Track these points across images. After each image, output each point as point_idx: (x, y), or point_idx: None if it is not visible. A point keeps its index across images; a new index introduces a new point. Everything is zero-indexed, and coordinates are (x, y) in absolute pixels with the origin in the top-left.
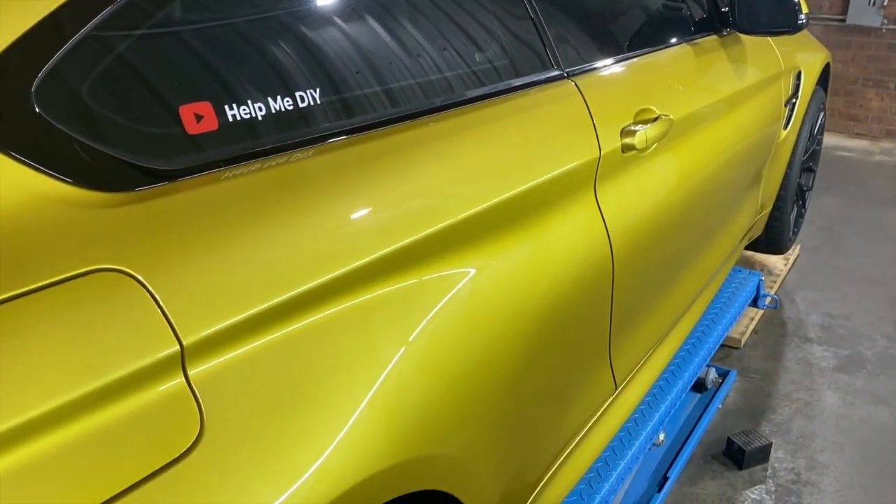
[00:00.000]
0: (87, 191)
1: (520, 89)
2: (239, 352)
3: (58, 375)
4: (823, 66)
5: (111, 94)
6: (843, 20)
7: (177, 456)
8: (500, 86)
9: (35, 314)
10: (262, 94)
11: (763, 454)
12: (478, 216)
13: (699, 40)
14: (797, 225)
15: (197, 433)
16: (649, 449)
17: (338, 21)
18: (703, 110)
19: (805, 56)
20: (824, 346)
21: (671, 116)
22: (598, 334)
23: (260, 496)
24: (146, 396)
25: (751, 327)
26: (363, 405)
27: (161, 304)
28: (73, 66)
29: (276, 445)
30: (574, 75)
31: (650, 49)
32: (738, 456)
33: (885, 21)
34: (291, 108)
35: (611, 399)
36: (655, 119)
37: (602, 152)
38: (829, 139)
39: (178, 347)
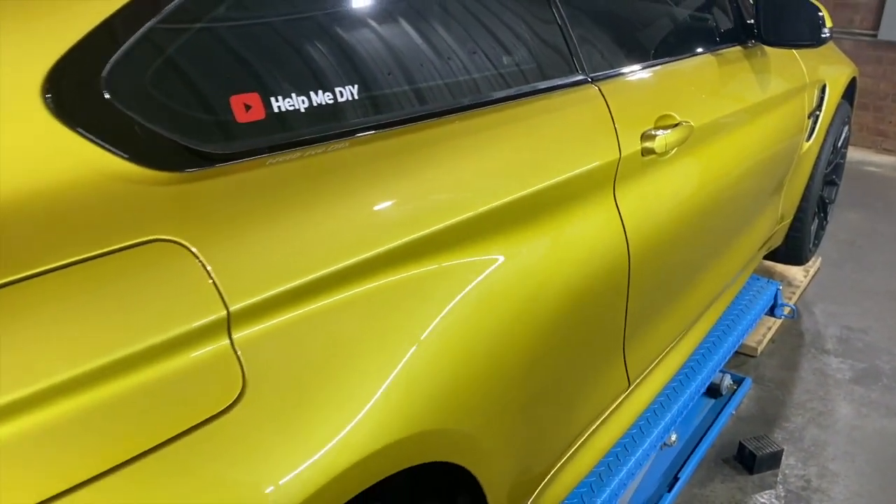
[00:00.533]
0: (145, 169)
1: (545, 92)
2: (279, 320)
3: (116, 331)
4: (849, 80)
5: (169, 83)
6: (875, 35)
7: (220, 410)
8: (526, 88)
9: (98, 277)
10: (304, 89)
11: (774, 460)
12: (501, 209)
13: (723, 51)
14: (818, 237)
15: (239, 391)
16: (661, 448)
17: (376, 24)
18: (725, 119)
19: (830, 69)
20: (841, 358)
21: (691, 123)
22: (613, 331)
23: (292, 452)
24: (196, 355)
25: (768, 336)
26: (390, 378)
27: (211, 273)
28: (137, 57)
29: (309, 407)
30: (598, 80)
31: (674, 57)
32: (749, 460)
33: None
34: (331, 102)
35: (623, 396)
36: (676, 125)
37: (622, 154)
38: (856, 154)
39: (225, 313)
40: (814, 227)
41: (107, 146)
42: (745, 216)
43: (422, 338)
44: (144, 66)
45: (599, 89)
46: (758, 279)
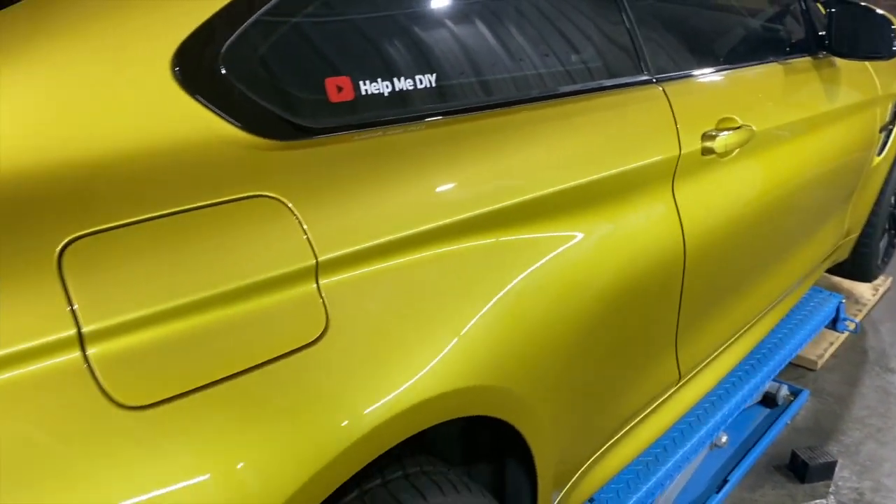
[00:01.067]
0: (252, 136)
1: (611, 89)
2: (360, 272)
3: (221, 267)
4: None
5: (274, 64)
6: None
7: (305, 343)
8: (593, 84)
9: (212, 221)
10: (388, 75)
11: (827, 471)
12: (566, 192)
13: (792, 60)
14: (888, 254)
15: (322, 329)
16: (710, 449)
17: (456, 21)
18: (788, 126)
19: None
20: None
21: (753, 127)
22: (666, 321)
23: (363, 385)
24: (287, 295)
25: (829, 351)
26: (460, 333)
27: (304, 226)
28: (249, 41)
29: (383, 350)
30: (662, 81)
31: (740, 64)
32: (802, 469)
33: None
34: (411, 88)
35: (673, 390)
36: (737, 128)
37: (682, 152)
38: None
39: (313, 261)
40: (883, 244)
41: (221, 114)
42: (806, 225)
43: (490, 301)
44: (254, 48)
45: (663, 89)
46: (819, 291)
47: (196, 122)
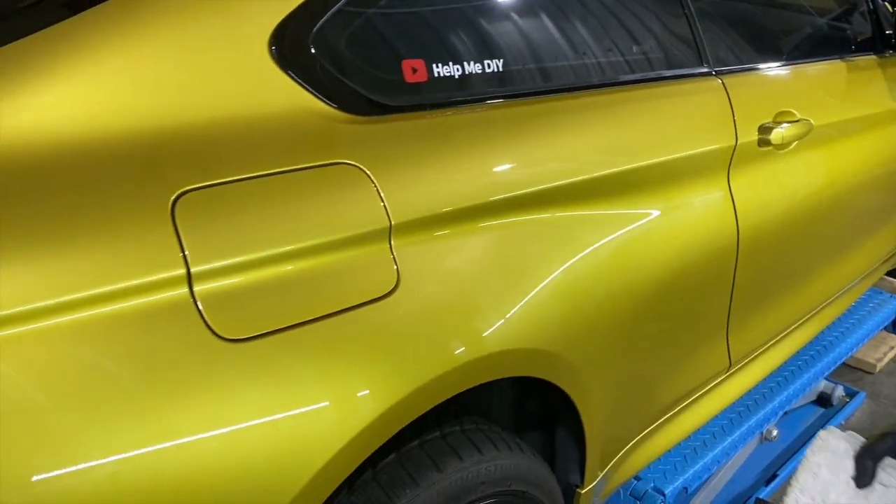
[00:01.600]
0: (335, 110)
1: (670, 79)
2: (429, 237)
3: (308, 223)
4: None
5: (357, 46)
6: None
7: (377, 297)
8: (652, 74)
9: (299, 182)
10: (460, 59)
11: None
12: (625, 175)
13: (856, 58)
14: None
15: (393, 285)
16: (761, 441)
17: (526, 11)
18: (849, 123)
19: None
20: None
21: (811, 121)
22: (719, 307)
23: (430, 338)
24: (364, 252)
25: (889, 355)
26: (519, 299)
27: (380, 192)
28: (336, 24)
29: (450, 307)
30: (721, 73)
31: (802, 59)
32: None
33: None
34: (479, 72)
35: (723, 377)
36: (795, 121)
37: (738, 142)
38: None
39: (388, 224)
40: None
41: (310, 89)
42: (863, 223)
43: (550, 273)
44: (341, 31)
45: (722, 81)
46: (879, 293)
47: (288, 95)
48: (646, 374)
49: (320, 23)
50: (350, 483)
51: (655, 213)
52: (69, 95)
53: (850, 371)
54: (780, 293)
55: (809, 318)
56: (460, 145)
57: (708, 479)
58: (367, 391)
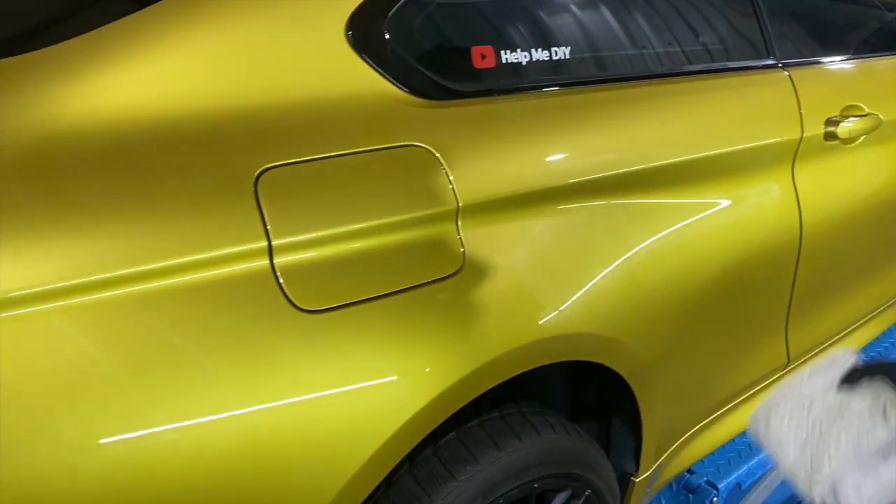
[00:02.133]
0: (406, 94)
1: (737, 70)
2: (495, 219)
3: (380, 202)
4: None
5: (429, 32)
6: None
7: (444, 276)
8: (717, 66)
9: (372, 164)
10: (526, 46)
11: None
12: (691, 164)
13: None
14: None
15: (459, 265)
16: None
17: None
18: None
19: None
20: None
21: (880, 116)
22: (779, 302)
23: (492, 318)
24: (433, 231)
25: None
26: (581, 284)
27: (449, 174)
28: (409, 11)
29: (512, 289)
30: (788, 66)
31: (870, 54)
32: None
33: None
34: (546, 59)
35: (781, 373)
36: (863, 115)
37: (804, 135)
38: None
39: (456, 206)
40: None
41: (383, 73)
42: None
43: (613, 259)
44: (413, 18)
45: (789, 74)
46: None
47: (363, 78)
48: (705, 365)
49: (395, 9)
50: (411, 458)
51: (719, 204)
52: (161, 74)
53: None
54: (841, 291)
55: (868, 320)
56: (526, 131)
57: (762, 477)
58: (432, 367)
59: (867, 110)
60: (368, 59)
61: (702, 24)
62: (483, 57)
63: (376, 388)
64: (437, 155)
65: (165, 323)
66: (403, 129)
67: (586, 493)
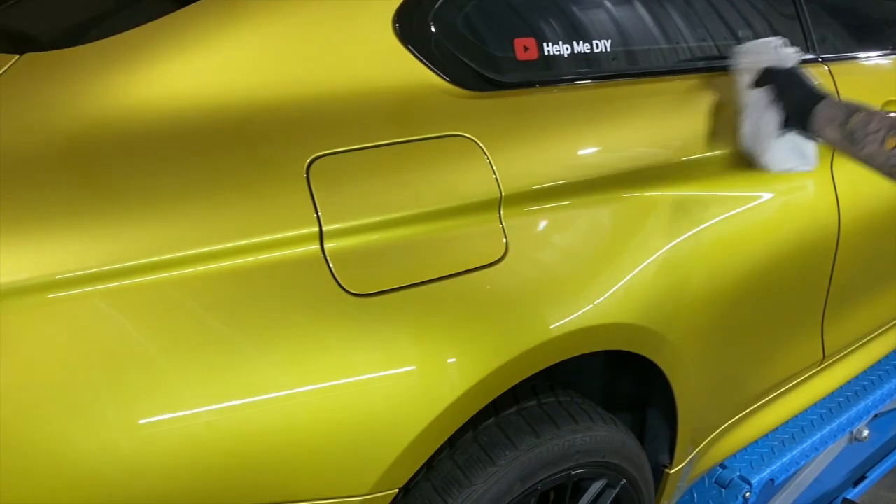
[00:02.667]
0: (451, 85)
1: None
2: (537, 209)
3: (426, 190)
4: None
5: (473, 25)
6: None
7: (487, 263)
8: None
9: (418, 153)
10: (569, 39)
11: None
12: (729, 157)
13: None
14: None
15: (502, 254)
16: (851, 442)
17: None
18: None
19: None
20: None
21: None
22: (815, 297)
23: (535, 307)
24: (477, 220)
25: None
26: (621, 274)
27: (492, 164)
28: (452, 5)
29: (552, 279)
30: (828, 61)
31: None
32: None
33: None
34: (587, 51)
35: (816, 370)
36: None
37: None
38: None
39: (498, 195)
40: None
41: (428, 64)
42: None
43: (652, 250)
44: (458, 10)
45: (828, 69)
46: None
47: (409, 69)
48: (741, 358)
49: (440, 2)
50: (452, 442)
51: (758, 198)
52: (218, 65)
53: None
54: (877, 290)
55: None
56: (567, 122)
57: (795, 473)
58: (475, 353)
59: None
60: (414, 51)
61: (742, 19)
62: (526, 49)
63: (421, 372)
64: (481, 144)
65: (218, 304)
66: (448, 119)
67: (621, 482)
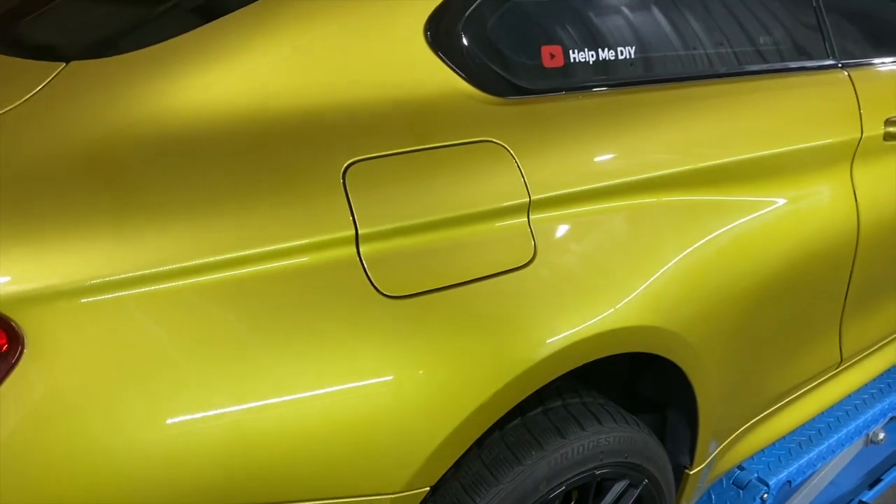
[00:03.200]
0: (480, 91)
1: (797, 70)
2: (565, 213)
3: (457, 195)
4: None
5: (501, 33)
6: None
7: (516, 266)
8: (779, 65)
9: (449, 159)
10: (595, 46)
11: None
12: (752, 162)
13: None
14: None
15: (530, 257)
16: (867, 444)
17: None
18: None
19: None
20: None
21: None
22: (834, 300)
23: (563, 309)
24: (505, 224)
25: None
26: (646, 278)
27: (521, 169)
28: (483, 13)
29: (579, 282)
30: (848, 66)
31: None
32: None
33: None
34: (612, 58)
35: (833, 372)
36: None
37: (863, 135)
38: None
39: (527, 199)
40: None
41: (458, 71)
42: None
43: (676, 254)
44: (486, 19)
45: (848, 74)
46: None
47: (439, 76)
48: (761, 361)
49: (470, 10)
50: (480, 442)
51: (778, 202)
52: (255, 72)
53: None
54: (894, 293)
55: None
56: (593, 128)
57: (812, 475)
58: (503, 355)
59: None
60: (445, 58)
61: (763, 25)
62: (552, 56)
63: (453, 372)
64: (510, 150)
65: (257, 305)
66: (478, 125)
67: (644, 482)
